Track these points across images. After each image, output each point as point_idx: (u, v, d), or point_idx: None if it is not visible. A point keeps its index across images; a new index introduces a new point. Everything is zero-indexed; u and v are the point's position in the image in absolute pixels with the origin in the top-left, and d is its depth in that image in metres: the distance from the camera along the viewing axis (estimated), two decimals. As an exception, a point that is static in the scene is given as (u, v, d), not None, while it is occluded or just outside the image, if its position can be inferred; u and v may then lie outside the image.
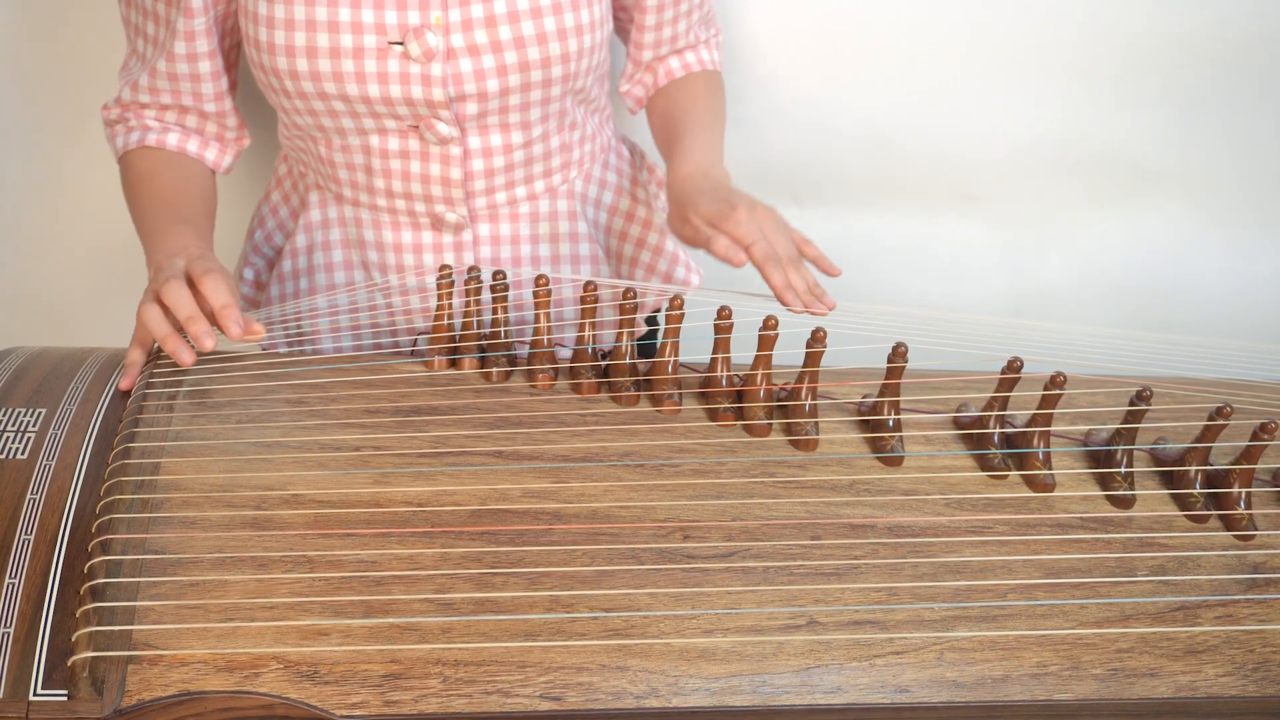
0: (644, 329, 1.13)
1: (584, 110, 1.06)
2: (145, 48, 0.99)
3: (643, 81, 1.11)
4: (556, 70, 0.95)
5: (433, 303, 0.92)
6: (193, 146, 1.02)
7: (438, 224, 1.03)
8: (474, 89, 0.94)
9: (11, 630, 0.66)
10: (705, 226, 0.92)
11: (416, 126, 0.96)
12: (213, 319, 0.82)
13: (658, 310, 1.19)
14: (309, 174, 1.06)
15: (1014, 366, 0.83)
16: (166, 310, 0.83)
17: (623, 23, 1.10)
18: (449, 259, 1.04)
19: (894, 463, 0.83)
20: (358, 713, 0.66)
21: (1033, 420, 0.83)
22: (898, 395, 0.84)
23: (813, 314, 0.88)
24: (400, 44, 0.91)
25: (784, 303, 0.88)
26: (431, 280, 1.01)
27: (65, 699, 0.64)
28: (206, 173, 1.03)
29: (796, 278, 0.89)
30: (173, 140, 1.01)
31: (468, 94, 0.94)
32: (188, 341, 0.83)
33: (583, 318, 0.88)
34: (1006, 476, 0.83)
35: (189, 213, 0.96)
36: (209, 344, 0.81)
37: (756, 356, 0.85)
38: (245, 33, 0.94)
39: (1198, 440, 0.82)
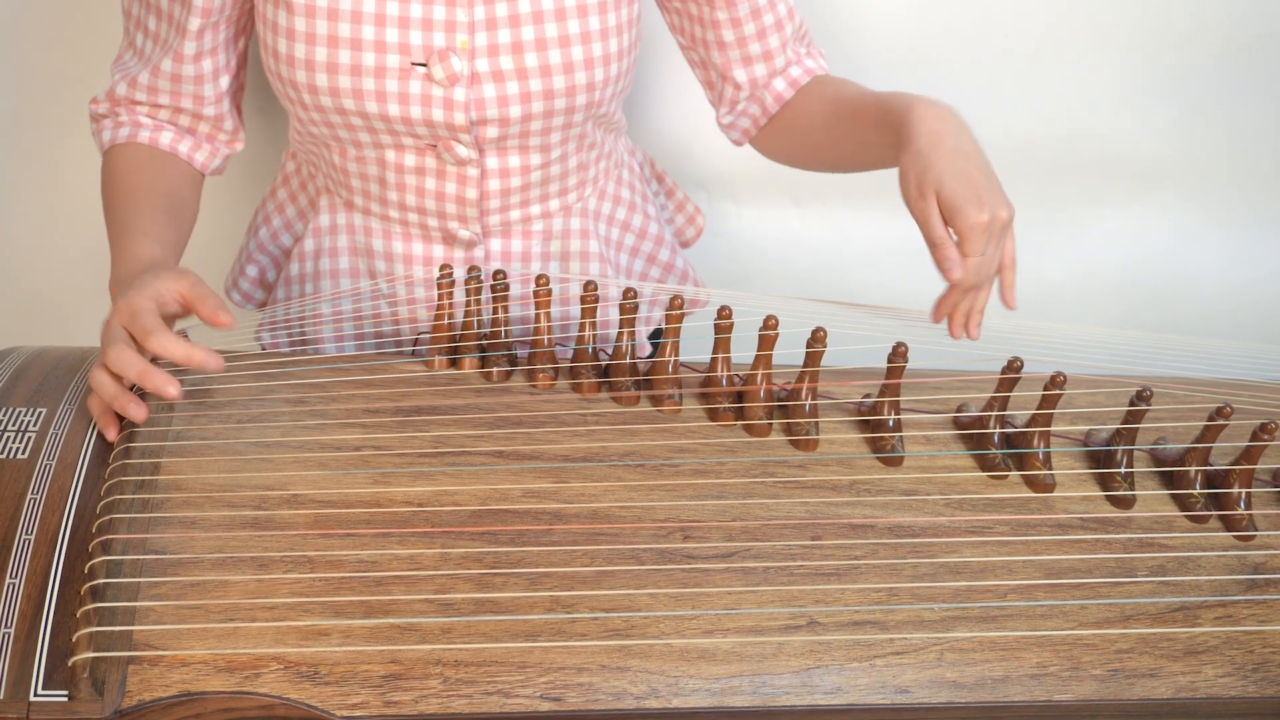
0: (648, 348, 1.12)
1: (602, 130, 1.04)
2: (144, 43, 0.97)
3: (749, 113, 1.05)
4: (581, 99, 0.94)
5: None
6: (184, 147, 1.00)
7: (449, 239, 1.02)
8: (496, 114, 0.92)
9: (12, 631, 0.66)
10: (937, 220, 0.83)
11: (434, 146, 0.95)
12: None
13: (660, 327, 1.18)
14: (319, 177, 1.05)
15: (1014, 366, 0.84)
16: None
17: (688, 50, 1.05)
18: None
19: (894, 463, 0.83)
20: (358, 713, 0.66)
21: (1033, 420, 0.83)
22: (898, 395, 0.84)
23: (951, 335, 0.86)
24: (424, 65, 0.90)
25: (935, 314, 0.87)
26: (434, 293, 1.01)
27: (66, 699, 0.64)
28: (190, 176, 1.01)
29: (966, 302, 0.86)
30: (165, 139, 1.00)
31: (490, 119, 0.93)
32: (139, 397, 0.78)
33: (583, 318, 0.88)
34: (1007, 477, 0.83)
35: (154, 213, 0.94)
36: (173, 391, 0.75)
37: (756, 356, 0.84)
38: (263, 41, 0.93)
39: (1198, 440, 0.82)
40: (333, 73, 0.90)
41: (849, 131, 0.98)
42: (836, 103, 1.00)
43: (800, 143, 1.05)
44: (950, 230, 0.83)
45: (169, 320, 0.81)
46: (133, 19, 0.97)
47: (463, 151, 0.94)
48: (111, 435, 0.79)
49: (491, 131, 0.94)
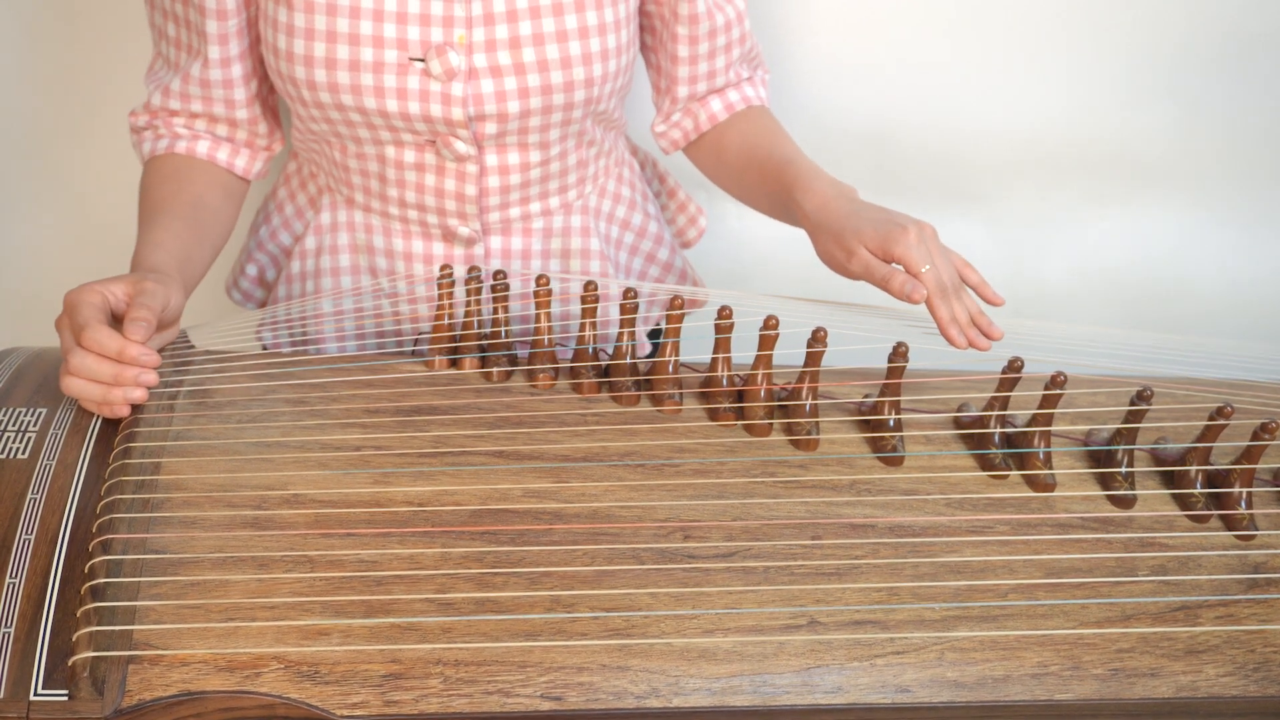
0: (648, 346, 1.12)
1: (602, 127, 1.04)
2: (169, 50, 0.98)
3: (681, 126, 1.07)
4: (579, 94, 0.94)
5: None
6: (222, 155, 1.01)
7: (449, 236, 1.02)
8: (494, 110, 0.92)
9: (12, 630, 0.66)
10: (875, 261, 0.87)
11: (433, 142, 0.95)
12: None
13: (659, 326, 1.18)
14: (320, 175, 1.06)
15: (1014, 366, 0.84)
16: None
17: (649, 50, 1.06)
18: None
19: (894, 462, 0.83)
20: (358, 713, 0.66)
21: (1033, 420, 0.83)
22: (898, 395, 0.84)
23: (976, 348, 0.86)
24: (421, 61, 0.90)
25: (948, 338, 0.86)
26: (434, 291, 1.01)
27: (66, 699, 0.64)
28: (223, 182, 1.01)
29: (960, 309, 0.86)
30: (202, 148, 1.00)
31: (488, 114, 0.93)
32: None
33: (583, 318, 0.88)
34: (1007, 476, 0.83)
35: (169, 222, 0.94)
36: (153, 360, 0.78)
37: (757, 356, 0.84)
38: (264, 38, 0.93)
39: (1198, 440, 0.82)
40: (331, 68, 0.90)
41: (758, 183, 1.02)
42: (752, 151, 1.03)
43: (725, 176, 1.08)
44: (892, 265, 0.87)
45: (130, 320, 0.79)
46: (156, 29, 0.98)
47: (461, 148, 0.94)
48: (125, 411, 0.79)
49: (490, 127, 0.94)
